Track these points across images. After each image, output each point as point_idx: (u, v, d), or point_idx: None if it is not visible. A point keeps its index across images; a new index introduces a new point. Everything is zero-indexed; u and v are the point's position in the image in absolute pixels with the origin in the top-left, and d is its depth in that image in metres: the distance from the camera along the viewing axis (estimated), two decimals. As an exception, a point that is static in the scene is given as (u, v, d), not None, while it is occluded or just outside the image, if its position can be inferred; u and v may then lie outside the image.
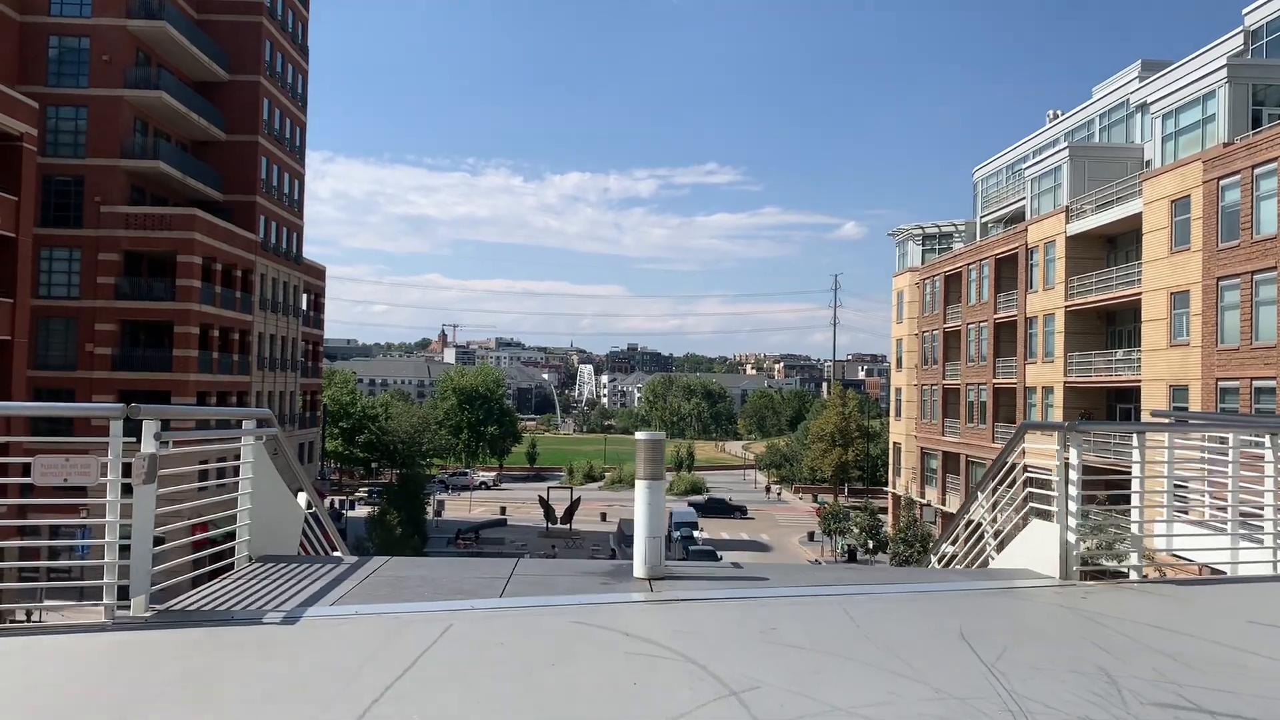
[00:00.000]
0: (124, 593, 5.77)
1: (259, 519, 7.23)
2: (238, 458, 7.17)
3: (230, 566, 7.11)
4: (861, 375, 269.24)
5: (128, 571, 5.77)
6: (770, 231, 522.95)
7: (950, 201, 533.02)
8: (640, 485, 6.85)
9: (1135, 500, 8.10)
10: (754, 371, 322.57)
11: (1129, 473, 8.21)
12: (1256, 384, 32.55)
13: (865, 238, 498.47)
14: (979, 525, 9.74)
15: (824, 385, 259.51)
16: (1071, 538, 7.66)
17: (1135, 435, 8.14)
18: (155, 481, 5.80)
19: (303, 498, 8.32)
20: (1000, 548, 9.05)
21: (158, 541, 5.95)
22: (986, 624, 6.14)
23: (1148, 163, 44.57)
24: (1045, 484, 7.97)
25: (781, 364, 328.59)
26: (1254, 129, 34.86)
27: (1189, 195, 36.40)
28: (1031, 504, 8.43)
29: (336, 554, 9.23)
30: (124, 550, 5.78)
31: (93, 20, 48.11)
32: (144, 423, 5.82)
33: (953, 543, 10.53)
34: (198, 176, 52.76)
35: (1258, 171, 32.62)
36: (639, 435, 6.91)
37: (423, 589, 6.57)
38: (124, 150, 48.40)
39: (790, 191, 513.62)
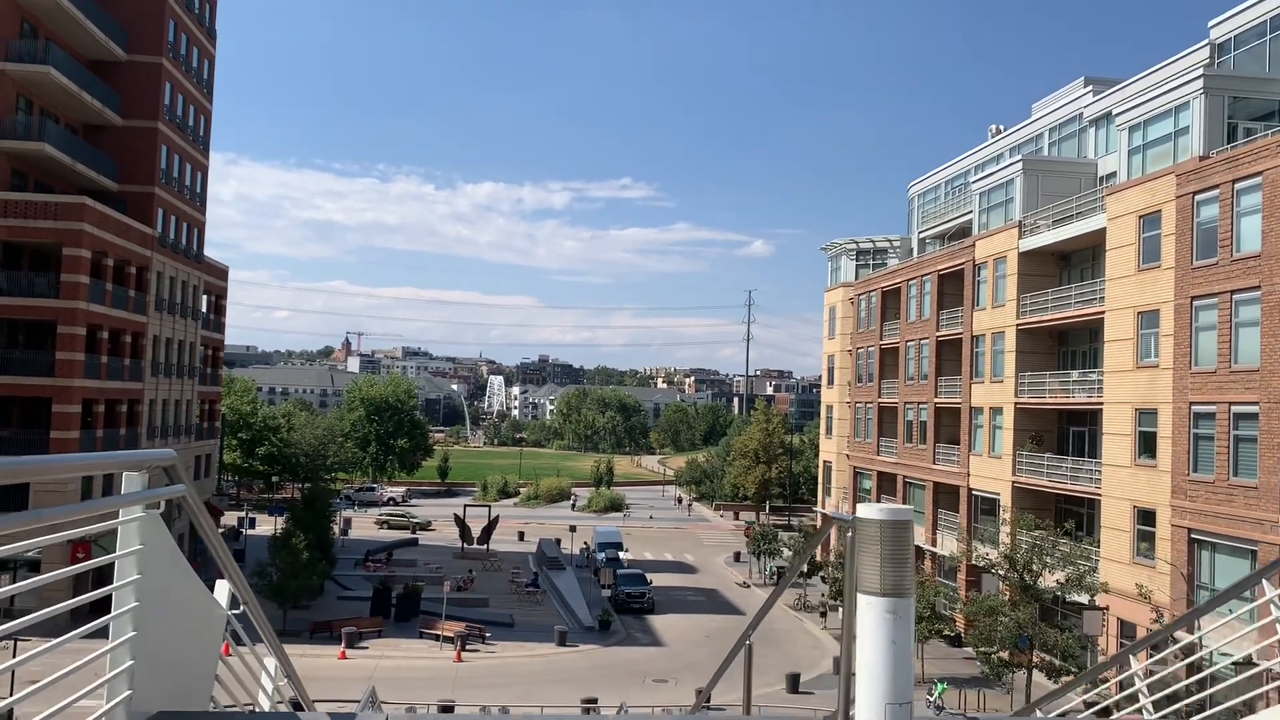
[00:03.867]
0: None
1: (152, 649, 4.03)
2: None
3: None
4: (770, 390, 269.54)
5: None
6: (681, 247, 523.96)
7: (859, 220, 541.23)
8: (869, 606, 3.80)
9: None
10: (665, 385, 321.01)
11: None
12: (1235, 409, 30.95)
13: (772, 255, 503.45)
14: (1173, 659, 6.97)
15: (735, 400, 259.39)
16: None
17: None
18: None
19: (223, 590, 5.11)
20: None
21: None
22: None
23: (1105, 178, 43.27)
24: None
25: (692, 378, 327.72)
26: (1229, 142, 33.49)
27: (1159, 210, 34.87)
28: None
29: (282, 693, 5.98)
30: None
31: (-29, -16, 43.20)
32: None
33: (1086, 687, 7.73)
34: (89, 163, 47.96)
35: (1239, 186, 31.11)
36: (867, 511, 3.86)
37: None
38: (4, 130, 43.57)
39: (702, 208, 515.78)
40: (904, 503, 56.95)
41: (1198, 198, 32.91)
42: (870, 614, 3.80)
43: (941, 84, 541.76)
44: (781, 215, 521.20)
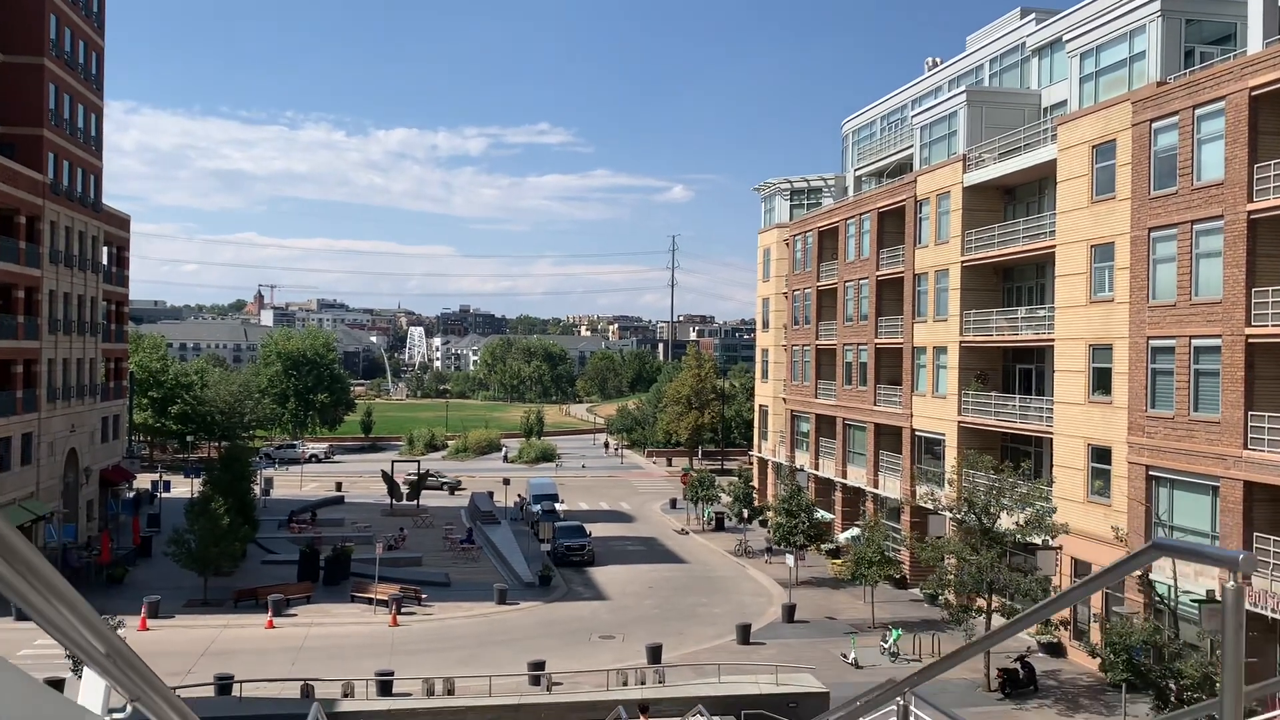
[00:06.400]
0: None
1: None
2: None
3: None
4: (694, 335, 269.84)
5: None
6: (601, 193, 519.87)
7: (785, 162, 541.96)
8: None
9: None
10: (589, 333, 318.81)
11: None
12: (1196, 343, 30.20)
13: (693, 200, 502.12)
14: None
15: (659, 346, 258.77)
16: None
17: None
18: None
19: (95, 689, 3.10)
20: None
21: None
22: None
23: (1051, 108, 42.16)
24: None
25: (616, 325, 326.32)
26: (1186, 67, 32.44)
27: (1114, 139, 33.80)
28: None
29: None
30: None
31: None
32: None
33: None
34: (-34, 102, 43.85)
35: (1199, 112, 30.07)
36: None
37: None
38: None
39: (621, 154, 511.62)
40: (844, 446, 55.94)
41: (1155, 125, 31.84)
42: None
43: (867, 19, 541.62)
44: (703, 160, 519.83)
